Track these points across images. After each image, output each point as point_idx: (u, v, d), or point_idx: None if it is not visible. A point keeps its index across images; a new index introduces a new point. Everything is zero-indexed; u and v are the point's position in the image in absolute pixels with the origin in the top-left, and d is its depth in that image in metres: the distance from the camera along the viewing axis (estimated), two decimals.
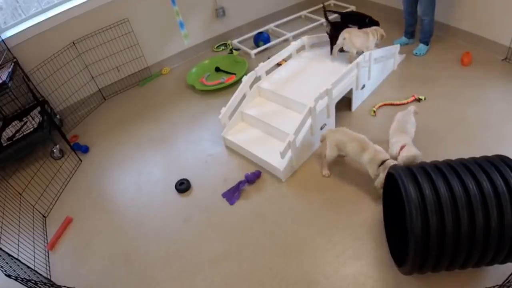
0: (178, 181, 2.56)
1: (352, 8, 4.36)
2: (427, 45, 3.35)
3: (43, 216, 2.57)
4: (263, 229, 2.18)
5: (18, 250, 2.11)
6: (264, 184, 2.45)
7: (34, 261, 2.14)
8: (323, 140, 2.43)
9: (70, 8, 3.22)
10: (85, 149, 3.08)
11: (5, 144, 2.81)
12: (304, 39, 3.15)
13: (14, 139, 2.83)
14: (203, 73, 3.68)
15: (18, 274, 1.71)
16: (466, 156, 1.74)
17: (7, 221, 2.29)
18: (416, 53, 3.34)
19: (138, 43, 3.65)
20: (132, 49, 3.65)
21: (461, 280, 1.74)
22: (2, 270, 1.68)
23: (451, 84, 2.94)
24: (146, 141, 3.06)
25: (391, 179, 1.86)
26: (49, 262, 2.25)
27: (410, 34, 3.49)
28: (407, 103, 2.84)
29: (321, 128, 2.58)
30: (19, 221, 2.36)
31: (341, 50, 2.92)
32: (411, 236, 1.49)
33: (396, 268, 1.81)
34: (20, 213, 2.46)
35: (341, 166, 2.46)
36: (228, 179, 2.52)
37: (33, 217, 2.49)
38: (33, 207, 2.57)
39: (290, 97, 2.65)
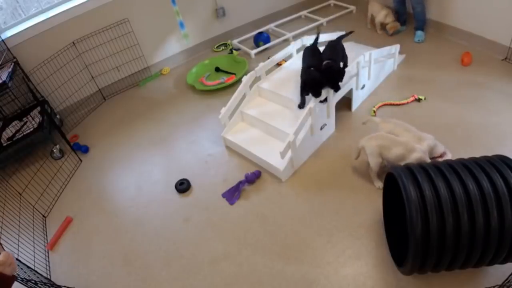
0: (178, 181, 2.56)
1: (352, 8, 4.36)
2: (423, 30, 3.53)
3: (43, 216, 2.57)
4: (263, 229, 2.18)
5: (18, 250, 2.11)
6: (264, 184, 2.45)
7: (34, 261, 2.13)
8: (357, 156, 2.30)
9: (70, 8, 3.23)
10: (85, 149, 3.08)
11: (5, 144, 2.81)
12: (304, 39, 3.15)
13: (14, 139, 2.83)
14: (203, 73, 3.68)
15: (18, 274, 1.71)
16: (466, 156, 1.75)
17: (7, 221, 2.29)
18: (418, 40, 3.51)
19: (138, 43, 3.65)
20: (132, 49, 3.65)
21: (461, 280, 1.74)
22: None
23: (451, 84, 2.94)
24: (146, 141, 3.06)
25: (391, 179, 1.86)
26: (49, 262, 2.25)
27: (403, 22, 3.74)
28: (407, 103, 2.84)
29: (321, 128, 2.58)
30: (19, 221, 2.36)
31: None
32: (411, 236, 1.49)
33: (396, 268, 1.81)
34: (20, 213, 2.46)
35: (341, 165, 2.46)
36: (228, 179, 2.52)
37: (33, 217, 2.49)
38: (33, 207, 2.57)
39: (290, 97, 2.64)
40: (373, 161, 2.19)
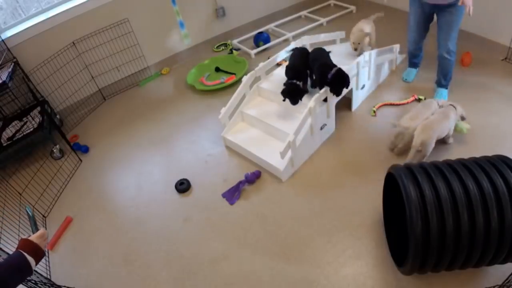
0: (178, 181, 2.56)
1: (352, 8, 4.36)
2: (447, 88, 2.76)
3: (43, 216, 2.57)
4: (263, 229, 2.18)
5: None
6: (264, 184, 2.45)
7: None
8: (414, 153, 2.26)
9: (70, 8, 3.23)
10: (85, 149, 3.08)
11: (5, 144, 2.81)
12: (304, 39, 3.15)
13: (14, 139, 2.83)
14: (203, 73, 3.68)
15: None
16: (466, 156, 1.75)
17: (7, 221, 2.29)
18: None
19: (138, 43, 3.65)
20: (132, 49, 3.65)
21: (461, 280, 1.74)
22: None
23: (451, 84, 2.94)
24: (146, 141, 3.06)
25: (391, 179, 1.86)
26: (49, 262, 2.25)
27: (417, 64, 3.06)
28: (407, 103, 2.84)
29: (321, 128, 2.58)
30: (19, 221, 2.35)
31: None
32: (411, 236, 1.49)
33: (396, 268, 1.81)
34: (20, 213, 2.45)
35: (341, 165, 2.46)
36: (228, 179, 2.52)
37: None
38: (33, 207, 2.56)
39: None
40: (430, 149, 2.23)
